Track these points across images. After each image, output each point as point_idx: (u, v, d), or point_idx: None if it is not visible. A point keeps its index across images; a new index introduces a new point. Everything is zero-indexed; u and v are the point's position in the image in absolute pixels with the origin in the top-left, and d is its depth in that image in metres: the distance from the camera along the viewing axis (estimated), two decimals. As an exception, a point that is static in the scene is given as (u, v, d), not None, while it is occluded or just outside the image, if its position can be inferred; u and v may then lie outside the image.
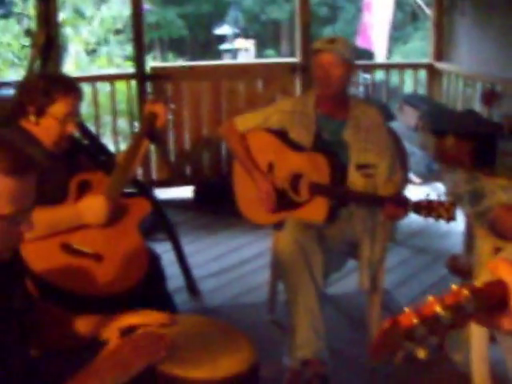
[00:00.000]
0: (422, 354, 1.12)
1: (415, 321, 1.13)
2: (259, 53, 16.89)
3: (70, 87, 2.93)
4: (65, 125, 2.90)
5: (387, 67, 7.17)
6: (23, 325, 1.99)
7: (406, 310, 1.16)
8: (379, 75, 7.39)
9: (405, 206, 3.27)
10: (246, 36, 16.95)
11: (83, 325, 2.13)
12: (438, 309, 1.14)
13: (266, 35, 19.40)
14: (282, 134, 3.62)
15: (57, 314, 2.22)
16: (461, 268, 4.10)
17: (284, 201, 3.57)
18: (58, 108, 2.87)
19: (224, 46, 16.46)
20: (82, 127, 3.61)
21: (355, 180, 3.48)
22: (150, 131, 3.26)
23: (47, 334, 2.16)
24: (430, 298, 1.16)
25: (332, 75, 3.44)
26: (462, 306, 1.15)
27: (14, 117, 2.92)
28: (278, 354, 3.33)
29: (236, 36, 16.80)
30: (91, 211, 2.82)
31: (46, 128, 2.88)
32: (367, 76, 7.16)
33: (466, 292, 1.15)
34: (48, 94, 2.85)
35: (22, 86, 3.02)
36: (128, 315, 2.10)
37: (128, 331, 2.04)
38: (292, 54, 13.10)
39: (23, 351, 2.05)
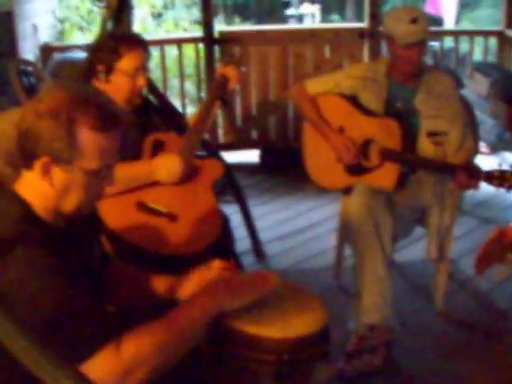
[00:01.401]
0: None
1: None
2: (324, 17, 16.69)
3: (136, 41, 2.97)
4: (135, 79, 2.93)
5: (456, 34, 7.01)
6: (99, 279, 2.04)
7: None
8: (448, 42, 7.25)
9: (477, 175, 3.23)
10: (311, 1, 16.75)
11: (158, 284, 2.16)
12: None
13: (330, 0, 19.16)
14: (353, 99, 3.60)
15: (132, 271, 2.27)
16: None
17: (354, 166, 3.55)
18: (126, 63, 2.90)
19: (290, 11, 16.30)
20: (150, 85, 3.64)
21: (425, 147, 3.45)
22: (222, 94, 3.27)
23: (121, 291, 2.20)
24: None
25: (421, 60, 3.45)
26: None
27: (86, 78, 2.97)
28: (343, 319, 3.34)
29: (301, 1, 16.61)
30: (166, 169, 2.86)
31: (116, 85, 2.91)
32: (435, 43, 7.03)
33: None
34: (115, 51, 2.89)
35: (91, 47, 3.05)
36: (201, 270, 2.13)
37: None
38: (357, 19, 12.94)
39: (100, 305, 2.10)
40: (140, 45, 2.97)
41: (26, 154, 1.76)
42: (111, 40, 2.96)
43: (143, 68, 2.96)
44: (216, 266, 2.10)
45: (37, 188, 1.78)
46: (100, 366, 1.63)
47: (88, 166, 1.76)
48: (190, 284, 2.10)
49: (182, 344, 1.78)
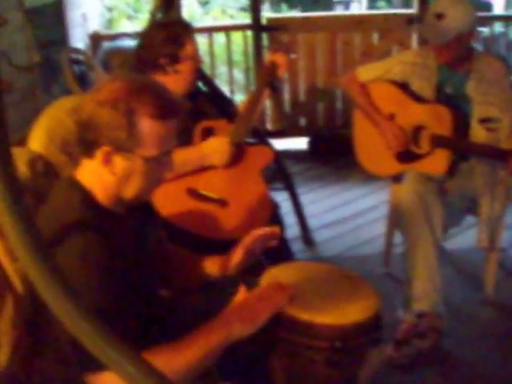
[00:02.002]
0: None
1: None
2: (370, 4, 16.56)
3: (188, 26, 3.03)
4: (197, 61, 3.02)
5: (506, 19, 6.90)
6: (155, 264, 2.08)
7: None
8: (497, 28, 7.14)
9: None
10: (359, -13, 16.62)
11: (211, 265, 2.21)
12: None
13: (377, -14, 18.99)
14: (403, 86, 3.57)
15: (185, 254, 2.30)
16: None
17: (404, 153, 3.54)
18: (189, 48, 2.96)
19: (337, -3, 16.22)
20: (200, 71, 3.68)
21: (477, 134, 3.41)
22: (271, 81, 3.26)
23: (176, 274, 2.25)
24: None
25: (447, 55, 3.36)
26: None
27: (143, 72, 2.95)
28: (392, 307, 3.33)
29: (348, -13, 16.50)
30: (215, 151, 2.90)
31: (184, 72, 2.97)
32: (485, 29, 6.93)
33: None
34: (176, 41, 2.93)
35: (146, 43, 3.04)
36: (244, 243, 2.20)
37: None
38: (404, 6, 12.79)
39: (155, 290, 2.14)
40: (191, 27, 3.04)
41: (86, 143, 1.80)
42: (165, 31, 2.98)
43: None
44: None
45: (97, 176, 1.83)
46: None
47: (148, 153, 1.80)
48: (238, 255, 2.17)
49: (203, 363, 1.79)
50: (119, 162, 1.79)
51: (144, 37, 3.09)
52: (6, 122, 1.05)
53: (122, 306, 1.73)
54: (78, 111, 1.81)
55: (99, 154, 1.78)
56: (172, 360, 1.73)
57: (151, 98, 1.78)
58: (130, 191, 1.86)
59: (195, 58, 2.97)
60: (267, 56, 3.38)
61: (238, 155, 2.96)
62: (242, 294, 2.00)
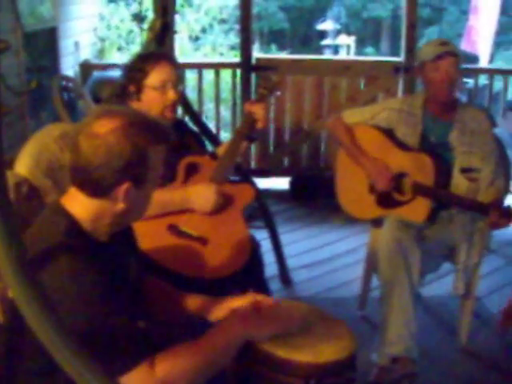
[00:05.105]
0: None
1: None
2: (358, 50, 16.81)
3: (161, 57, 3.05)
4: (164, 93, 2.97)
5: (491, 72, 7.01)
6: (134, 294, 2.08)
7: None
8: (482, 80, 7.25)
9: (510, 215, 3.23)
10: (347, 32, 16.89)
11: (190, 303, 2.20)
12: None
13: (366, 33, 19.29)
14: (388, 132, 3.62)
15: (165, 288, 2.30)
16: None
17: (385, 198, 3.58)
18: (152, 78, 2.96)
19: (326, 42, 16.44)
20: (186, 105, 3.65)
21: (458, 183, 3.46)
22: (249, 133, 3.19)
23: (154, 306, 2.25)
24: None
25: (453, 79, 3.43)
26: None
27: (122, 100, 3.03)
28: (366, 350, 3.32)
29: (337, 32, 16.74)
30: (200, 199, 2.90)
31: (148, 102, 2.97)
32: (469, 80, 7.05)
33: None
34: (141, 69, 2.96)
35: (123, 71, 3.10)
36: (236, 298, 2.15)
37: None
38: (392, 53, 12.98)
39: (132, 319, 2.13)
40: (166, 60, 3.03)
41: (103, 186, 1.82)
42: (139, 60, 3.03)
43: (172, 82, 3.00)
44: (252, 299, 2.12)
45: (99, 209, 1.85)
46: (134, 382, 1.68)
47: (155, 177, 1.89)
48: (223, 310, 2.12)
49: (211, 367, 1.84)
50: (135, 193, 1.84)
51: (123, 68, 3.14)
52: (2, 144, 1.08)
53: (116, 321, 1.74)
54: (78, 156, 1.82)
55: (120, 192, 1.81)
56: (193, 358, 1.79)
57: (152, 128, 1.85)
58: (135, 216, 1.95)
59: (158, 89, 2.95)
60: (246, 105, 3.29)
61: (221, 197, 2.95)
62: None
